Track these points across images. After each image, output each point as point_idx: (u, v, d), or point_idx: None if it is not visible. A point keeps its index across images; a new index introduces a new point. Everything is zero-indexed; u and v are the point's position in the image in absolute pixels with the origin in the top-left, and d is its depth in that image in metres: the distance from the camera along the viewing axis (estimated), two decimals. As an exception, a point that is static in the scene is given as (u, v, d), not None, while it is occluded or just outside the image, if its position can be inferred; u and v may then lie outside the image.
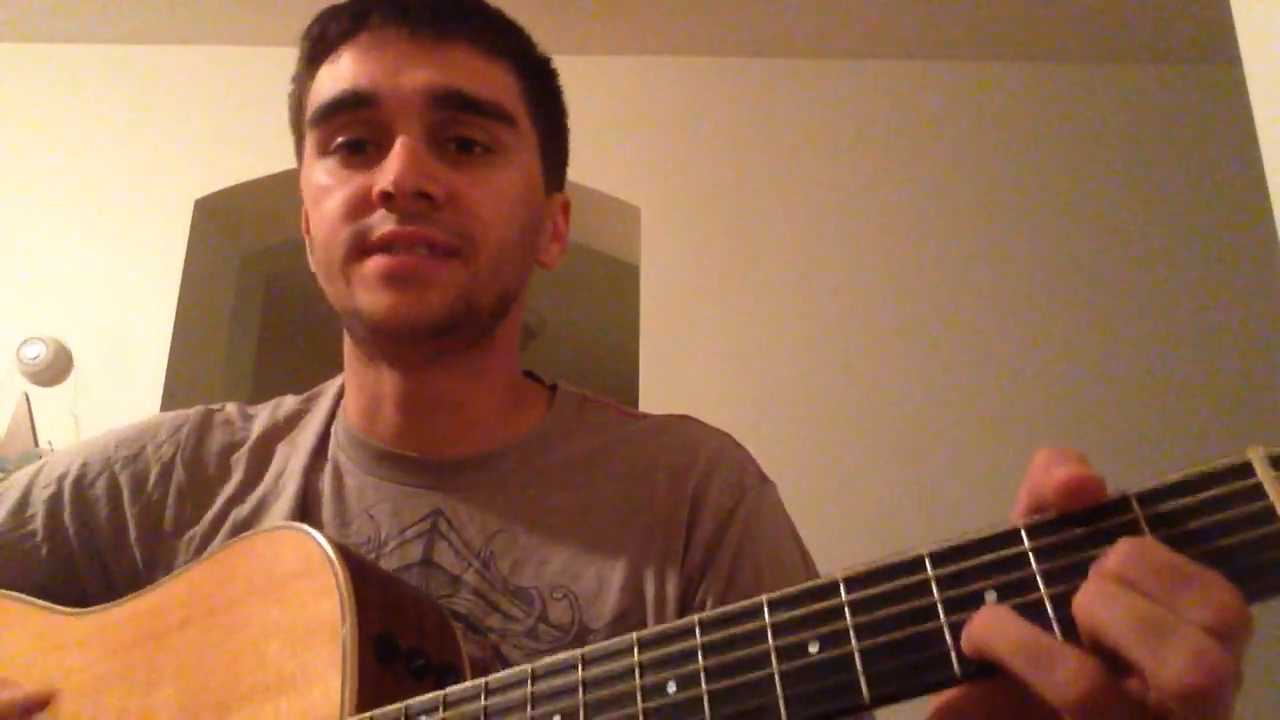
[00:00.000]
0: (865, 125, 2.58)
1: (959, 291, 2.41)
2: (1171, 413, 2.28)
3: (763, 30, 2.55)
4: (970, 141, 2.55)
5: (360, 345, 0.76)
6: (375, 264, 0.69)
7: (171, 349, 2.36)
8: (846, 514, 2.17)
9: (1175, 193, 2.48)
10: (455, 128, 0.72)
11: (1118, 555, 0.36)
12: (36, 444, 2.27)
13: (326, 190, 0.72)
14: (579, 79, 2.46)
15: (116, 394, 2.33)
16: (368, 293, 0.69)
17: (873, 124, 2.58)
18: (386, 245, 0.68)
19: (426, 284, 0.69)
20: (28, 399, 2.30)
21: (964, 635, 0.38)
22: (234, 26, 2.55)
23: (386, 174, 0.68)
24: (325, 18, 0.76)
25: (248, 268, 2.76)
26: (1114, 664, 0.35)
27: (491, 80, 0.74)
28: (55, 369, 2.32)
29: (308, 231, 0.78)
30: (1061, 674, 0.35)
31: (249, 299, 2.81)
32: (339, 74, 0.72)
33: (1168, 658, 0.34)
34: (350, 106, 0.71)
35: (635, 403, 2.32)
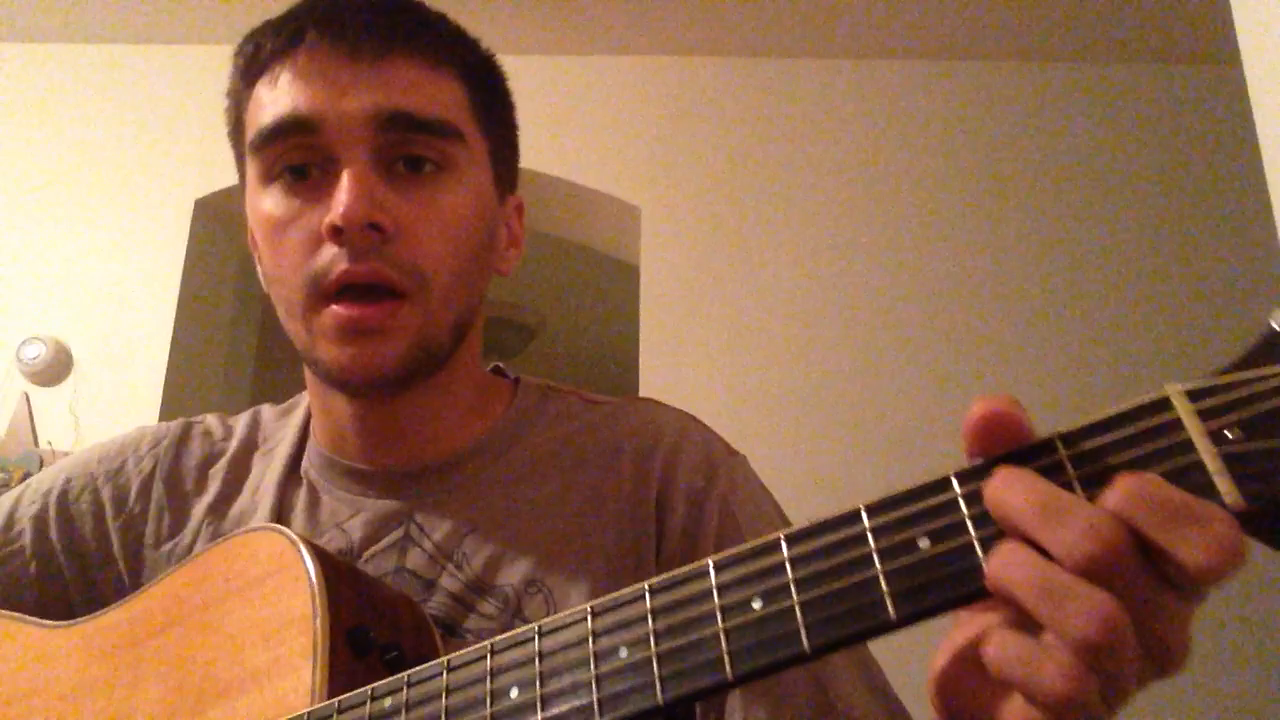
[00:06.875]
0: (865, 125, 2.58)
1: (958, 291, 2.41)
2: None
3: (763, 30, 2.55)
4: (970, 141, 2.55)
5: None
6: (333, 317, 0.67)
7: (171, 349, 2.37)
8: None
9: (1175, 193, 2.48)
10: (403, 148, 0.69)
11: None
12: (36, 444, 2.27)
13: (277, 225, 0.69)
14: (579, 79, 2.48)
15: (116, 394, 2.33)
16: (326, 345, 0.68)
17: (872, 124, 2.58)
18: (342, 289, 0.67)
19: (383, 335, 0.67)
20: (28, 399, 2.31)
21: (986, 575, 0.38)
22: (235, 27, 2.55)
23: (335, 207, 0.66)
24: (259, 34, 0.73)
25: (248, 268, 2.76)
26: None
27: (437, 95, 0.71)
28: (55, 369, 2.33)
29: (256, 250, 0.78)
30: (1071, 608, 0.36)
31: (249, 299, 2.81)
32: (278, 97, 0.70)
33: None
34: (291, 132, 0.68)
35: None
